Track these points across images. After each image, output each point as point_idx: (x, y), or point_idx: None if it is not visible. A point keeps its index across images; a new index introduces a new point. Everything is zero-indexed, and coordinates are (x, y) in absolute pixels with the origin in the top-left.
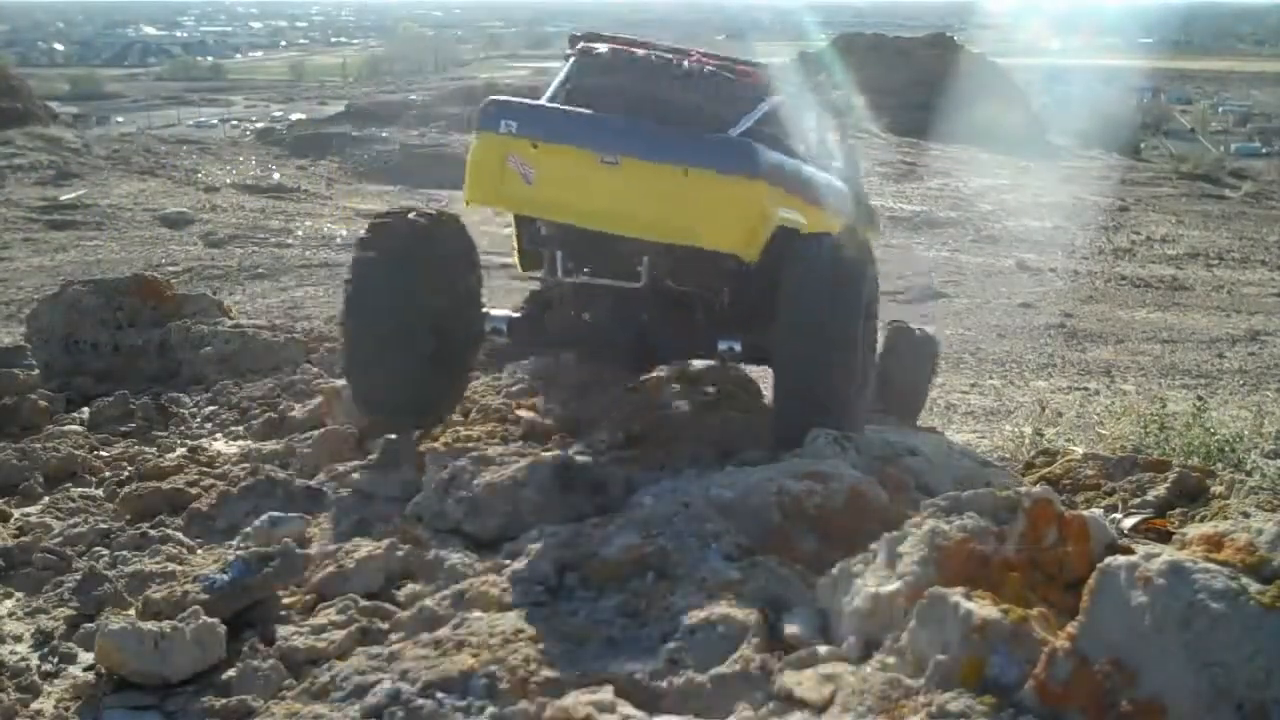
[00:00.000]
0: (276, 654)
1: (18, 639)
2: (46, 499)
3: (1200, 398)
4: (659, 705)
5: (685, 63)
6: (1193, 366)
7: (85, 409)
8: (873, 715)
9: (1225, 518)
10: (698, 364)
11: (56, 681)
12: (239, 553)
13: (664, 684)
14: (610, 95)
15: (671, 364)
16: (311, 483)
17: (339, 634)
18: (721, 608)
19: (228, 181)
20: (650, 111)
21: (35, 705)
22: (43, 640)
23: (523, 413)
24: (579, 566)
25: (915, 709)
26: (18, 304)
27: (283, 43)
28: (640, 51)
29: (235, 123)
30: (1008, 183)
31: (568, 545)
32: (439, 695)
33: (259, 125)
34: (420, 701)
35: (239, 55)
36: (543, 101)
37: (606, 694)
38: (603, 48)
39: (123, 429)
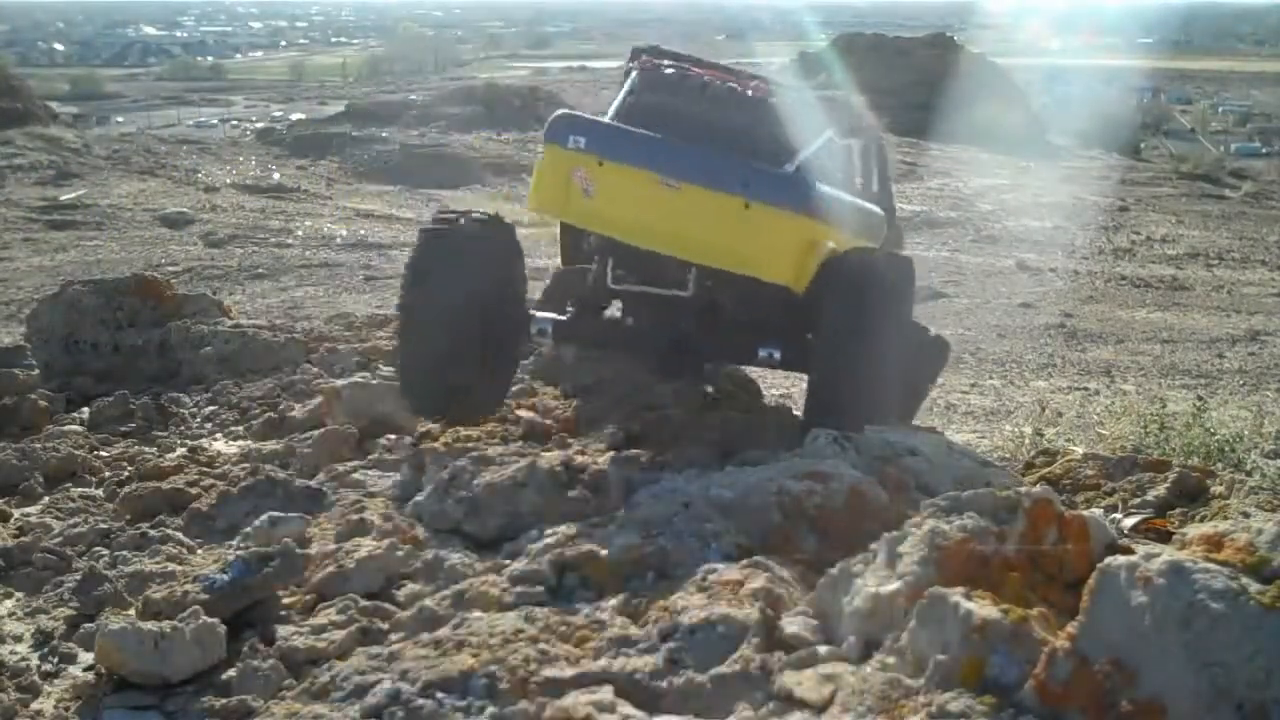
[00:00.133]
0: (276, 654)
1: (18, 639)
2: (46, 499)
3: (1200, 398)
4: (659, 705)
5: (749, 91)
6: (1193, 366)
7: (85, 409)
8: (873, 715)
9: (1225, 518)
10: None
11: (56, 681)
12: (239, 553)
13: (664, 684)
14: (672, 117)
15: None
16: (311, 483)
17: (339, 634)
18: (721, 608)
19: (228, 181)
20: (712, 138)
21: (35, 705)
22: (43, 640)
23: (523, 413)
24: (579, 566)
25: (915, 709)
26: (18, 304)
27: (283, 43)
28: (706, 76)
29: (235, 123)
30: (1008, 183)
31: (568, 545)
32: (439, 695)
33: (259, 125)
34: (420, 701)
35: (239, 55)
36: (610, 120)
37: (606, 694)
38: (669, 68)
39: (123, 429)
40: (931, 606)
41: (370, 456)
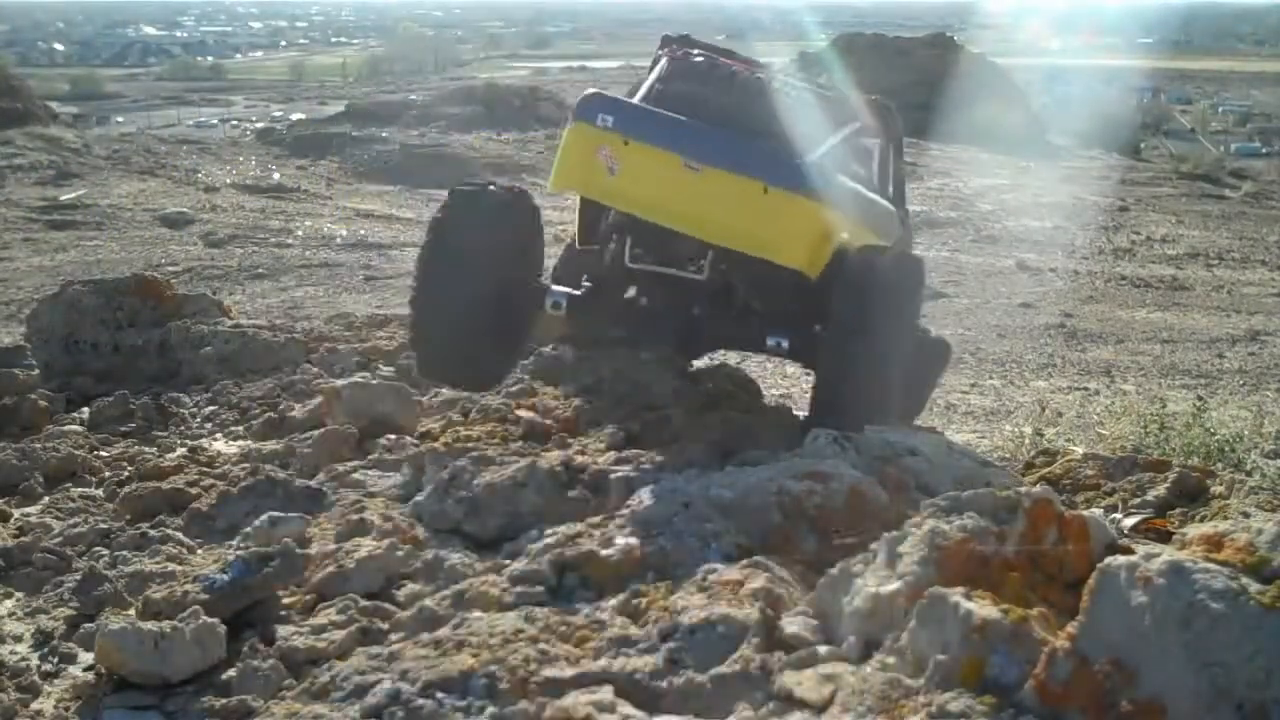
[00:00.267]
0: (276, 654)
1: (18, 639)
2: (46, 499)
3: (1200, 398)
4: (659, 705)
5: (774, 82)
6: (1193, 366)
7: (85, 409)
8: (873, 715)
9: (1225, 518)
10: (697, 364)
11: (56, 681)
12: (239, 553)
13: (664, 684)
14: (698, 103)
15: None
16: (311, 483)
17: (339, 634)
18: (721, 608)
19: (228, 181)
20: (735, 125)
21: (35, 705)
22: (43, 640)
23: (523, 413)
24: (579, 566)
25: (915, 709)
26: (18, 304)
27: (283, 43)
28: (733, 66)
29: (235, 123)
30: (1008, 183)
31: (568, 545)
32: (439, 695)
33: (259, 125)
34: (420, 701)
35: (239, 55)
36: (638, 102)
37: (606, 694)
38: (697, 56)
39: (123, 429)
40: (931, 606)
41: (370, 456)
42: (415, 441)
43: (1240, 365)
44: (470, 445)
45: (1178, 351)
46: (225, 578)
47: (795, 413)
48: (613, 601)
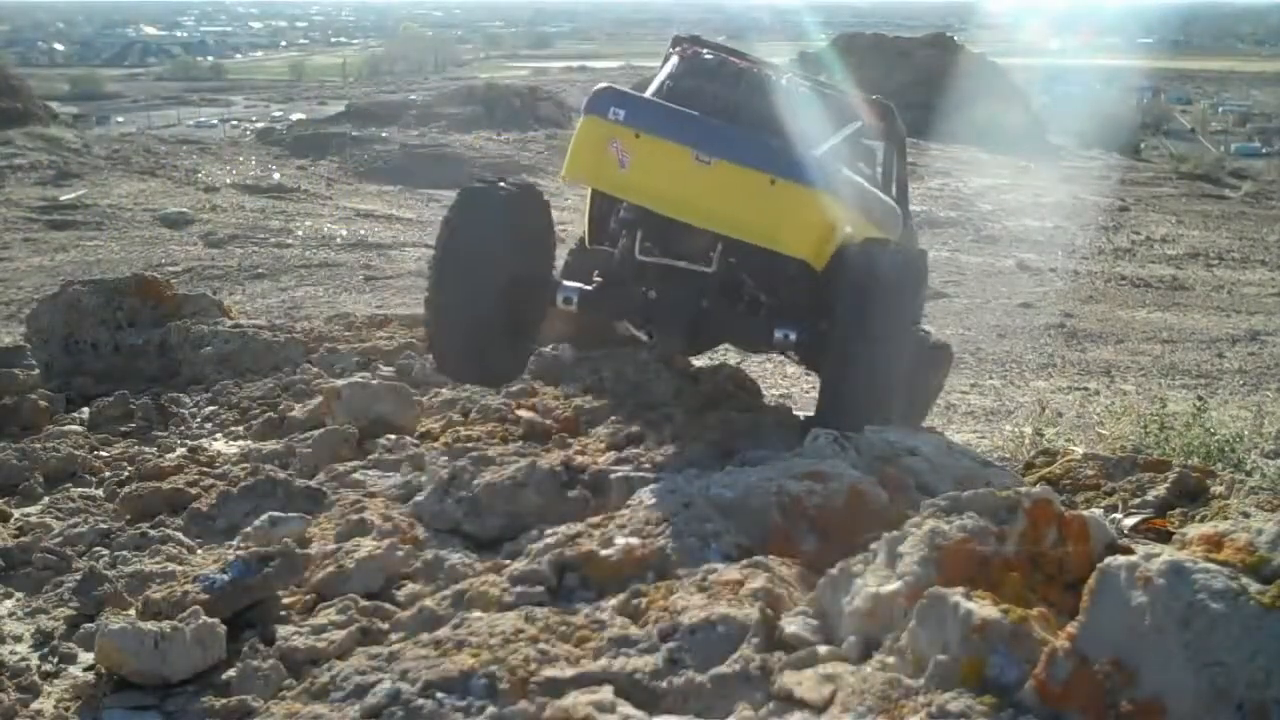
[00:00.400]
0: (276, 654)
1: (18, 639)
2: (46, 499)
3: (1200, 398)
4: (659, 705)
5: (783, 80)
6: (1193, 366)
7: (85, 409)
8: (873, 715)
9: (1225, 518)
10: (697, 363)
11: (56, 681)
12: (239, 553)
13: (664, 684)
14: (708, 99)
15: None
16: (311, 483)
17: (339, 634)
18: (721, 608)
19: (228, 181)
20: (744, 120)
21: (35, 705)
22: (43, 640)
23: (523, 413)
24: (579, 566)
25: (915, 709)
26: (18, 304)
27: (283, 43)
28: (742, 64)
29: (235, 123)
30: (1008, 183)
31: (568, 545)
32: (439, 695)
33: (259, 125)
34: (420, 701)
35: (239, 55)
36: (649, 96)
37: (606, 694)
38: (707, 53)
39: (123, 429)
40: (931, 606)
41: (370, 456)
42: (415, 441)
43: (1240, 365)
44: (470, 445)
45: (1178, 351)
46: (225, 578)
47: (795, 413)
48: (613, 601)
